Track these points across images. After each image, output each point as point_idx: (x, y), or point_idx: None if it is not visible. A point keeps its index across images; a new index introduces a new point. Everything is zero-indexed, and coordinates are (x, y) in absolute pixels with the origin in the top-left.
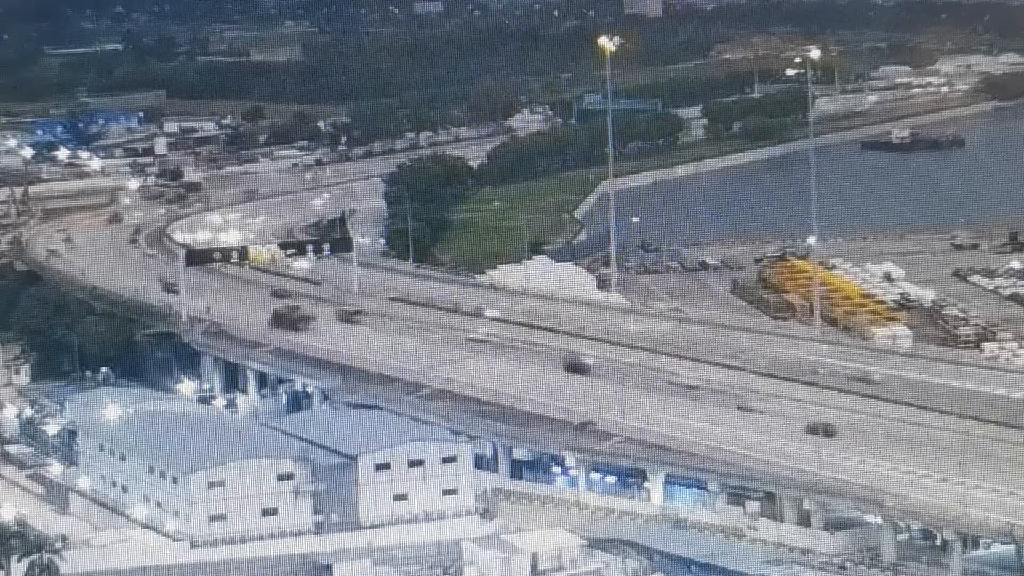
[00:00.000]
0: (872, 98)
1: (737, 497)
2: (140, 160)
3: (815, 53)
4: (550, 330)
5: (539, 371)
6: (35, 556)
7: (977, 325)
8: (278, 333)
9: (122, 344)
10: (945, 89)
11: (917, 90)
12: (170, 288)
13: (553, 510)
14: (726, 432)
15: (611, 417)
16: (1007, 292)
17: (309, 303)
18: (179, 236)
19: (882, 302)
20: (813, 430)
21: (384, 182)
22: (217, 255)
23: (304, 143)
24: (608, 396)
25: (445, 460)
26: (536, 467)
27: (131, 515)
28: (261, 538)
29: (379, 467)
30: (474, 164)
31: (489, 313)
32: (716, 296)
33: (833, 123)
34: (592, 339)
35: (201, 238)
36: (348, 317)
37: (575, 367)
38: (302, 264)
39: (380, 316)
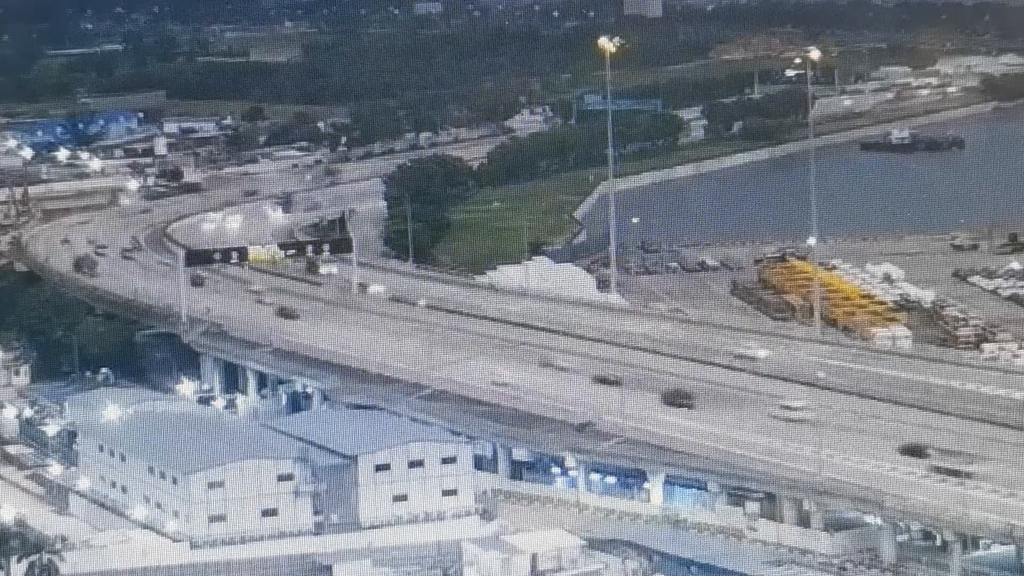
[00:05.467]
0: (872, 99)
1: (737, 498)
2: (140, 161)
3: (815, 53)
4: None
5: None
6: (35, 557)
7: (977, 326)
8: (79, 276)
9: (122, 345)
10: (945, 90)
11: (917, 91)
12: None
13: (553, 511)
14: (726, 432)
15: (611, 418)
16: (1007, 293)
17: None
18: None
19: (882, 303)
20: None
21: (384, 183)
22: (217, 255)
23: (304, 144)
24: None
25: (445, 461)
26: (536, 468)
27: (131, 516)
28: (261, 539)
29: (379, 468)
30: (474, 165)
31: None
32: (716, 297)
33: (833, 124)
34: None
35: None
36: (127, 255)
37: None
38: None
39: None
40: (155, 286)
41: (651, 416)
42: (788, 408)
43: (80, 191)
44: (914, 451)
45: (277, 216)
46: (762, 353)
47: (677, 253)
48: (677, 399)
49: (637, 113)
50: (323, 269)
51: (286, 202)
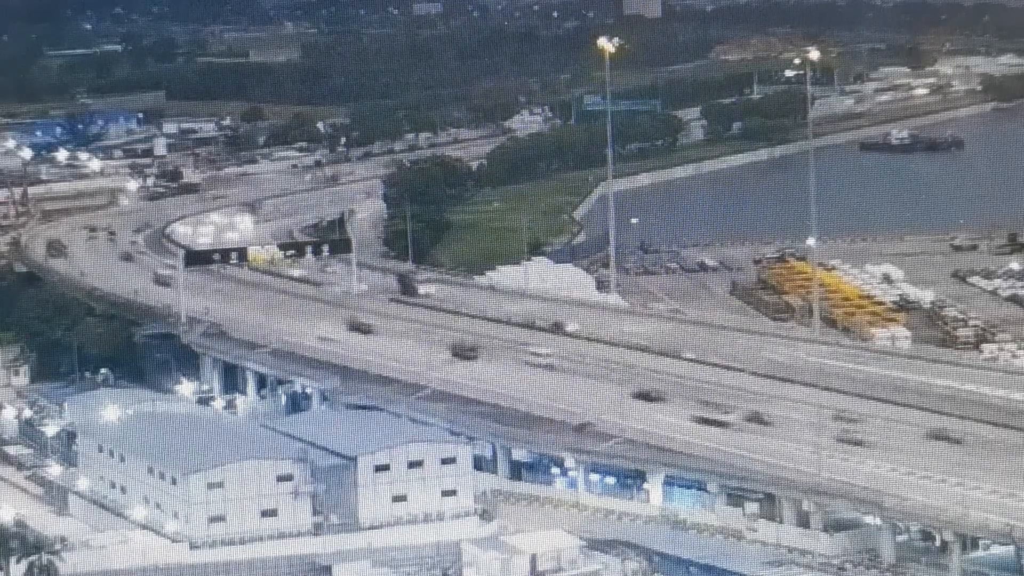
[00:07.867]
0: (871, 99)
1: (736, 498)
2: (139, 161)
3: (814, 54)
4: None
5: None
6: (34, 557)
7: (976, 326)
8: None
9: (121, 345)
10: (945, 90)
11: (916, 91)
12: None
13: (552, 511)
14: (725, 433)
15: (610, 418)
16: (1006, 293)
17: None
18: None
19: (881, 303)
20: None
21: (383, 183)
22: (216, 256)
23: (303, 144)
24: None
25: (444, 461)
26: (535, 468)
27: (130, 516)
28: (260, 539)
29: (378, 468)
30: (474, 165)
31: None
32: (715, 297)
33: (832, 124)
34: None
35: None
36: (111, 238)
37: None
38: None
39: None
40: (117, 265)
41: (441, 367)
42: (536, 355)
43: (80, 191)
44: (646, 396)
45: (246, 222)
46: None
47: (676, 253)
48: (463, 352)
49: (636, 113)
50: (422, 289)
51: (253, 209)
